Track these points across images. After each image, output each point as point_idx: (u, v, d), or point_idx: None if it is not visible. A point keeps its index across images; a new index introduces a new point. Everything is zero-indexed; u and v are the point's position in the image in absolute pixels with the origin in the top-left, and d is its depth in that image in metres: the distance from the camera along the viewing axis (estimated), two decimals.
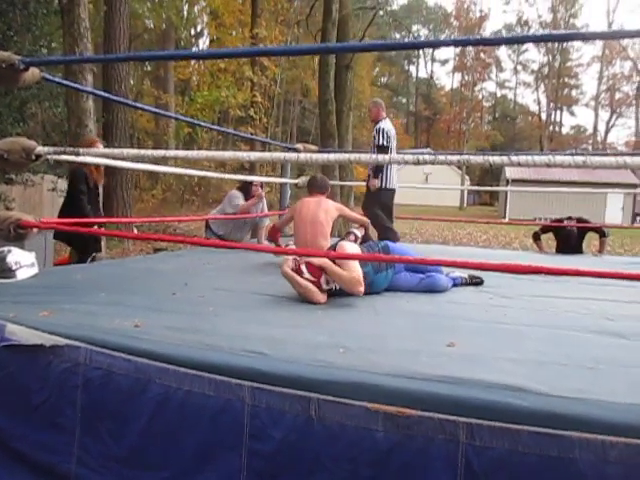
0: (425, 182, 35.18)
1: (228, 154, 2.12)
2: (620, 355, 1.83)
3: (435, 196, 34.88)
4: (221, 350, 1.74)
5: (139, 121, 19.04)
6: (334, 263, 2.60)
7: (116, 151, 2.29)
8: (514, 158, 1.73)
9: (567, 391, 1.43)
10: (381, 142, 5.26)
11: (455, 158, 1.82)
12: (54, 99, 8.26)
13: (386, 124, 5.41)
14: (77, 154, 2.26)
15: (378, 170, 5.37)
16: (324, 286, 2.63)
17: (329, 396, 1.50)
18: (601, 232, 5.93)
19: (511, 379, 1.49)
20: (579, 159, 1.70)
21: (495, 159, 1.76)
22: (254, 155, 2.01)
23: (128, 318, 2.04)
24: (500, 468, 1.35)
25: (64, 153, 2.31)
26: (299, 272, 2.60)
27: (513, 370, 1.60)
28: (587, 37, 2.07)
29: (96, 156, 2.51)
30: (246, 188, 5.27)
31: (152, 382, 1.67)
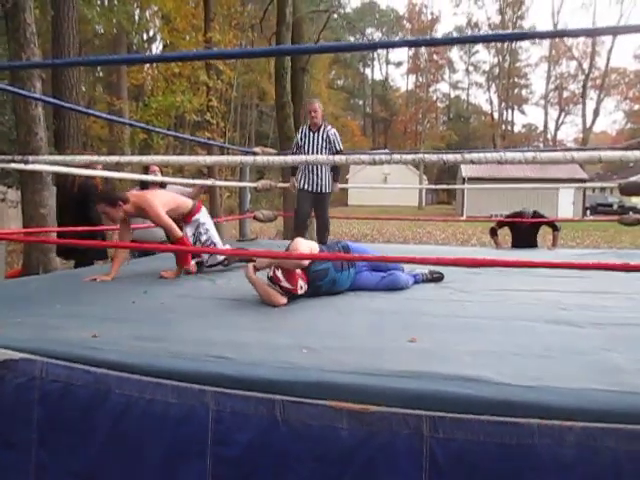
0: (384, 183, 35.58)
1: (184, 159, 2.10)
2: (573, 343, 1.89)
3: (394, 196, 35.33)
4: (183, 356, 1.72)
5: (92, 128, 18.56)
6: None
7: (68, 157, 2.23)
8: (467, 155, 1.77)
9: (524, 379, 1.47)
10: (341, 147, 5.29)
11: (410, 157, 1.85)
12: (0, 107, 7.97)
13: None
14: (26, 162, 2.19)
15: (338, 172, 5.39)
16: (299, 292, 2.64)
17: (294, 397, 1.50)
18: (553, 226, 6.12)
19: (470, 371, 1.53)
20: (529, 155, 1.75)
21: (449, 157, 1.80)
22: (210, 159, 2.00)
23: (85, 329, 1.99)
24: (463, 458, 1.38)
25: (13, 161, 2.24)
26: (277, 280, 2.59)
27: (472, 362, 1.64)
28: (538, 36, 2.14)
29: (46, 164, 2.43)
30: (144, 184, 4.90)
31: (112, 392, 1.63)
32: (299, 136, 5.30)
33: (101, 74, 25.42)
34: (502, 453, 1.35)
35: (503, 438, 1.35)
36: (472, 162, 1.77)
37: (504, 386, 1.44)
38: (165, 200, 3.55)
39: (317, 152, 5.12)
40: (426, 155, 1.83)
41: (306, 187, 5.25)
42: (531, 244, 5.93)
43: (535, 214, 5.98)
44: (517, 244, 6.02)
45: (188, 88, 12.10)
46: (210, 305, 2.58)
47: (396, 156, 1.85)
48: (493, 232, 6.26)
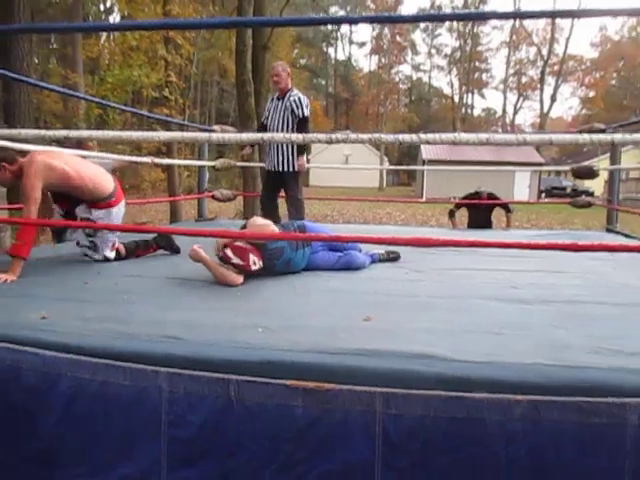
0: (346, 164, 35.62)
1: (136, 134, 2.04)
2: (523, 320, 1.95)
3: (355, 178, 35.49)
4: (136, 337, 1.69)
5: (46, 102, 17.87)
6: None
7: (14, 131, 2.13)
8: (422, 136, 1.78)
9: (475, 355, 1.51)
10: (307, 113, 4.69)
11: (367, 136, 1.85)
12: None
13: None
14: None
15: (303, 148, 4.86)
16: (253, 268, 2.58)
17: (249, 377, 1.50)
18: (506, 208, 6.33)
19: (423, 348, 1.56)
20: (483, 136, 1.77)
21: (405, 137, 1.80)
22: (164, 135, 1.95)
23: (34, 310, 1.93)
24: (415, 433, 1.41)
25: None
26: (227, 258, 2.54)
27: (425, 340, 1.67)
28: (500, 17, 2.16)
29: None
30: None
31: (63, 375, 1.59)
32: (267, 106, 4.93)
33: (55, 46, 24.40)
34: (452, 427, 1.39)
35: (453, 413, 1.38)
36: (427, 142, 1.79)
37: (455, 362, 1.47)
38: (64, 169, 2.80)
39: (281, 122, 4.69)
40: (382, 135, 1.83)
41: (266, 167, 4.93)
42: (486, 225, 6.11)
43: (490, 196, 6.16)
44: (473, 225, 6.19)
45: (145, 62, 11.75)
46: (166, 285, 2.54)
47: (352, 135, 1.85)
48: (451, 214, 6.44)
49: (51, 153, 2.97)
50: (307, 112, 4.69)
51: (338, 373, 1.47)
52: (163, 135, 1.91)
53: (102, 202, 3.00)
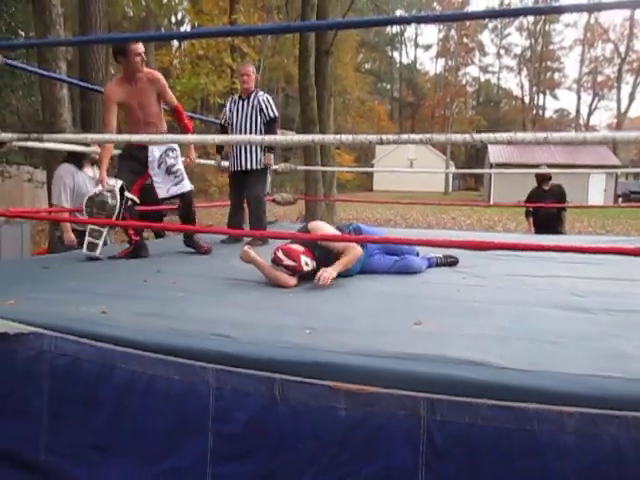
0: (410, 168, 35.21)
1: (193, 137, 2.11)
2: (583, 329, 1.85)
3: (420, 182, 34.96)
4: (187, 334, 1.74)
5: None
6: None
7: (80, 136, 2.26)
8: (476, 136, 1.74)
9: (525, 364, 1.44)
10: (277, 113, 4.55)
11: (418, 137, 1.81)
12: (27, 88, 8.11)
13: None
14: (41, 140, 2.22)
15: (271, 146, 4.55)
16: (305, 268, 2.60)
17: (293, 376, 1.51)
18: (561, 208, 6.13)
19: (472, 354, 1.51)
20: (540, 135, 1.70)
21: (457, 137, 1.77)
22: (219, 138, 2.00)
23: (95, 305, 2.02)
24: (461, 441, 1.36)
25: (28, 139, 2.27)
26: (278, 260, 2.58)
27: (475, 346, 1.61)
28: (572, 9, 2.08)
29: (60, 142, 2.48)
30: (76, 157, 3.91)
31: (117, 368, 1.66)
32: (228, 106, 4.67)
33: None
34: (500, 437, 1.33)
35: (501, 422, 1.33)
36: (481, 142, 1.73)
37: (503, 370, 1.41)
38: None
39: (248, 122, 4.50)
40: (434, 135, 1.79)
41: (231, 168, 4.61)
42: (554, 221, 5.95)
43: (559, 188, 5.98)
44: (540, 222, 6.07)
45: (212, 71, 12.13)
46: (220, 285, 2.60)
47: (404, 136, 1.82)
48: (527, 214, 6.30)
49: None
50: (277, 112, 4.59)
51: (381, 376, 1.45)
52: (218, 138, 1.97)
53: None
